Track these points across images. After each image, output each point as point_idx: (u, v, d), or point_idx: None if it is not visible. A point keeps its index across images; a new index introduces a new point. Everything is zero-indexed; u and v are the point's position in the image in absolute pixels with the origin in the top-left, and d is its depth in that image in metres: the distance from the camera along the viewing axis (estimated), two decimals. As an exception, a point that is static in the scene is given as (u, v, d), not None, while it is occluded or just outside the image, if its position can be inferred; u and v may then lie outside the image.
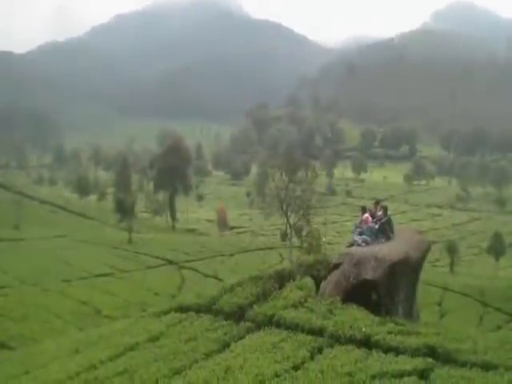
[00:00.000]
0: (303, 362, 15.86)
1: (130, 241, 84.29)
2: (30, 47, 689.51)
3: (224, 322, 19.42)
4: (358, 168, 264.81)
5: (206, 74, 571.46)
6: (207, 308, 20.78)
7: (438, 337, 17.13)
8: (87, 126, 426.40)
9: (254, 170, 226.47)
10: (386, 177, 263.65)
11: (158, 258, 74.91)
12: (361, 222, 23.88)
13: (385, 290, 20.27)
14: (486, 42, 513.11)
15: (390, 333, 17.13)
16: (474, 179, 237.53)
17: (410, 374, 14.47)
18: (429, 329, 18.59)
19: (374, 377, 14.28)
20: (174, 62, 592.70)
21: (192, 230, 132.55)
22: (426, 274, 34.25)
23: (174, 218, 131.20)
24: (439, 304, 66.07)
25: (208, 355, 16.99)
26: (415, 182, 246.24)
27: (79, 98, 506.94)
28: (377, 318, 18.61)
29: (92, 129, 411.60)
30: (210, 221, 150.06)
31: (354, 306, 19.68)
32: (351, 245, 23.13)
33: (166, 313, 22.05)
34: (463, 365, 15.26)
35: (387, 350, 16.27)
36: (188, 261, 75.79)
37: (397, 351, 16.11)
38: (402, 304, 21.31)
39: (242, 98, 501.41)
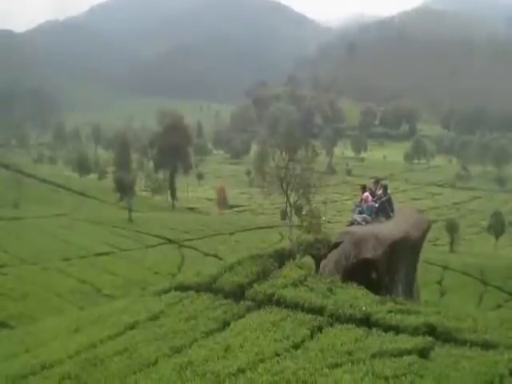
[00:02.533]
0: (303, 341, 15.85)
1: (129, 220, 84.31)
2: (30, 26, 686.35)
3: (224, 301, 19.42)
4: (358, 147, 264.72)
5: (206, 53, 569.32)
6: (207, 287, 20.75)
7: (437, 315, 17.13)
8: (87, 104, 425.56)
9: (254, 148, 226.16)
10: (386, 156, 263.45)
11: (158, 236, 75.01)
12: (361, 201, 23.85)
13: (385, 269, 20.26)
14: (486, 21, 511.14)
15: (389, 312, 17.12)
16: (474, 158, 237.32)
17: (409, 352, 14.46)
18: (429, 307, 18.60)
19: (373, 355, 14.29)
20: (174, 41, 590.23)
21: (192, 209, 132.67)
22: (426, 252, 34.30)
23: (174, 196, 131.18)
24: (439, 283, 66.29)
25: (208, 334, 17.00)
26: (415, 161, 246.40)
27: (79, 76, 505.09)
28: (377, 297, 18.61)
29: (92, 107, 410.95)
30: (209, 199, 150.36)
31: (354, 284, 19.68)
32: (351, 224, 23.11)
33: (165, 292, 22.03)
34: (463, 343, 15.26)
35: (387, 328, 16.26)
36: (188, 240, 75.90)
37: (397, 330, 16.10)
38: (401, 283, 21.32)
39: (241, 76, 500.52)
